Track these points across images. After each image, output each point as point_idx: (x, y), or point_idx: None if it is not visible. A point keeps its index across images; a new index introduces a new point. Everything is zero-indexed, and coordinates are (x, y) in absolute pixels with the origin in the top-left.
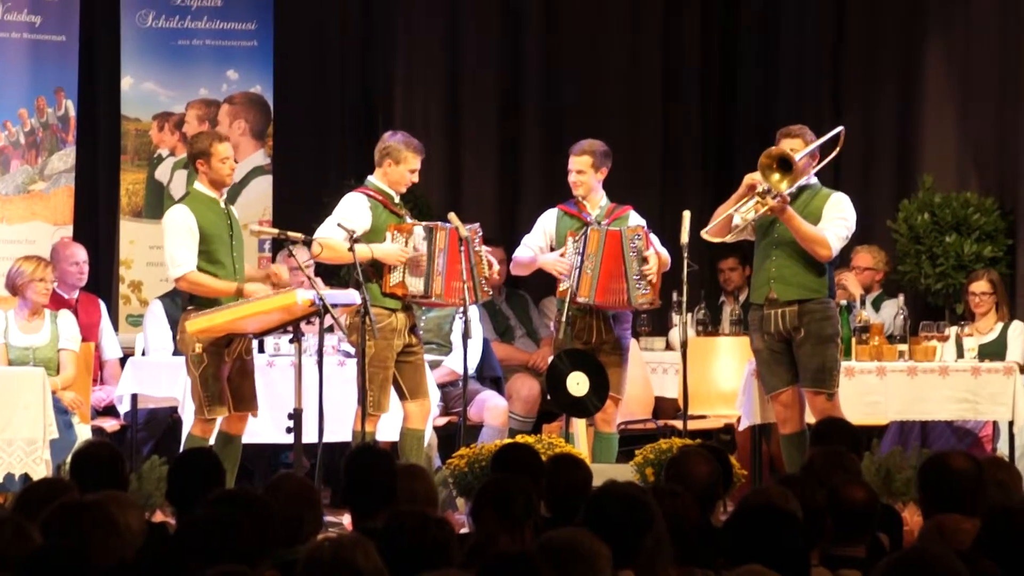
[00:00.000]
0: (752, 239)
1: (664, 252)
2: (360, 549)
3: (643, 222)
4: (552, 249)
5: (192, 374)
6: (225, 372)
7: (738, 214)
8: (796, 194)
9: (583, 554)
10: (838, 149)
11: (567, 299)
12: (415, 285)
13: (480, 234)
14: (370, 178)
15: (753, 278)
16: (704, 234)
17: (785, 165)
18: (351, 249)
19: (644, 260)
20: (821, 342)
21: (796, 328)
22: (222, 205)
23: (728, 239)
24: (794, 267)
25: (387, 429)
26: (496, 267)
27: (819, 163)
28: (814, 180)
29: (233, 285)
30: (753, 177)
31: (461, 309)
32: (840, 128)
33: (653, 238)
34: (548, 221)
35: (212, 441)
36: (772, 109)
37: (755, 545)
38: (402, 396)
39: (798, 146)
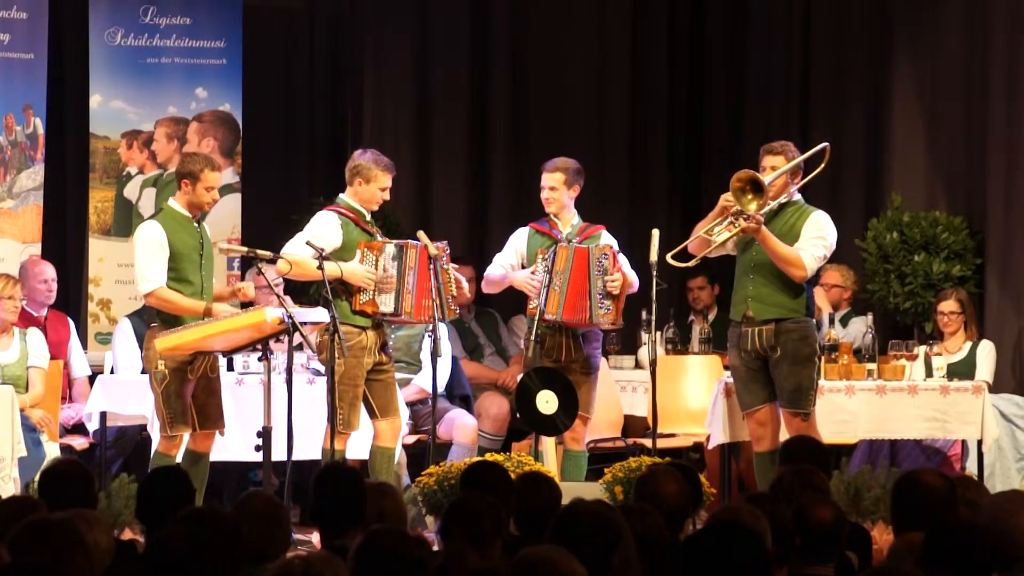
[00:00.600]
0: (734, 254)
1: (632, 274)
2: (330, 567)
3: (614, 242)
4: (523, 267)
5: (155, 391)
6: (189, 390)
7: (712, 235)
8: (778, 211)
9: (560, 572)
10: (823, 165)
11: (536, 317)
12: (385, 303)
13: (448, 252)
14: (342, 196)
15: (733, 295)
16: (681, 253)
17: (757, 186)
18: (320, 267)
19: (607, 285)
20: (797, 362)
21: (772, 347)
22: (195, 224)
23: (711, 254)
24: (771, 286)
25: (357, 447)
26: (465, 285)
27: (803, 179)
28: (797, 197)
29: (202, 304)
30: (726, 198)
31: (430, 327)
32: (825, 144)
33: (622, 258)
34: (519, 239)
35: (179, 458)
36: (740, 128)
37: (714, 563)
38: (372, 414)
39: (780, 163)
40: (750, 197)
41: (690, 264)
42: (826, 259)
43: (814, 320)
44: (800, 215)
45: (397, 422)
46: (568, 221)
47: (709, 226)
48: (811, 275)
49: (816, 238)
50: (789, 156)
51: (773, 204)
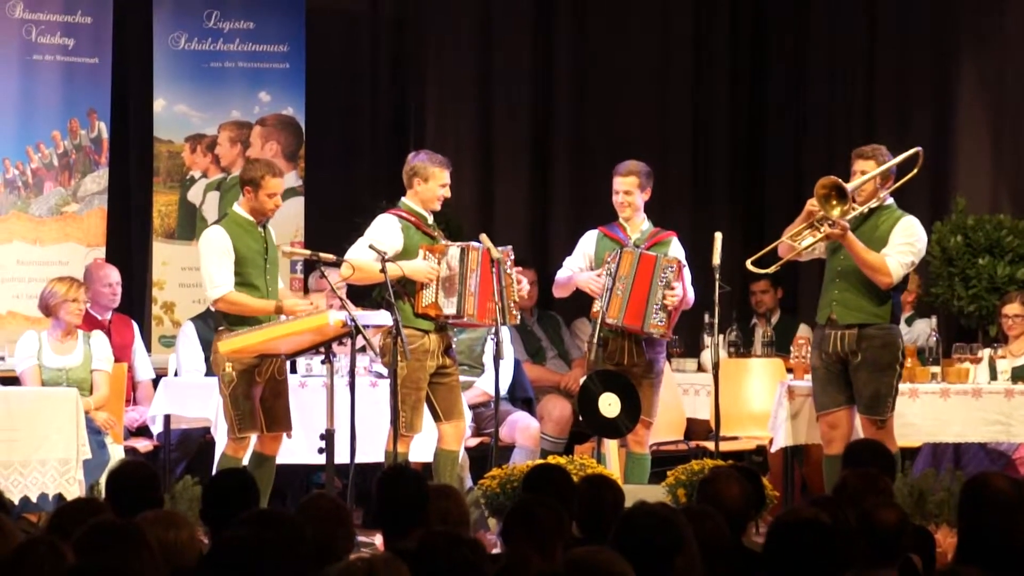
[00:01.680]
0: (824, 258)
1: (691, 290)
2: (393, 569)
3: (682, 254)
4: (591, 270)
5: (223, 394)
6: (257, 392)
7: (796, 240)
8: (868, 216)
9: (610, 571)
10: (916, 170)
11: (599, 320)
12: (448, 305)
13: (512, 257)
14: (403, 199)
15: (820, 298)
16: (760, 259)
17: (841, 193)
18: (383, 269)
19: (666, 297)
20: (878, 369)
21: (854, 352)
22: (259, 229)
23: (802, 259)
24: (856, 291)
25: (420, 450)
26: (526, 287)
27: (895, 184)
28: (890, 201)
29: (272, 303)
30: (812, 203)
31: (493, 330)
32: (918, 149)
33: (686, 272)
34: (588, 243)
35: (246, 461)
36: (803, 131)
37: (791, 560)
38: (436, 417)
39: (870, 167)
40: (835, 203)
41: (770, 271)
42: (914, 265)
43: (899, 327)
44: (890, 220)
45: (461, 425)
46: (638, 226)
47: (794, 231)
48: (897, 281)
49: (904, 244)
50: (880, 160)
51: (864, 208)
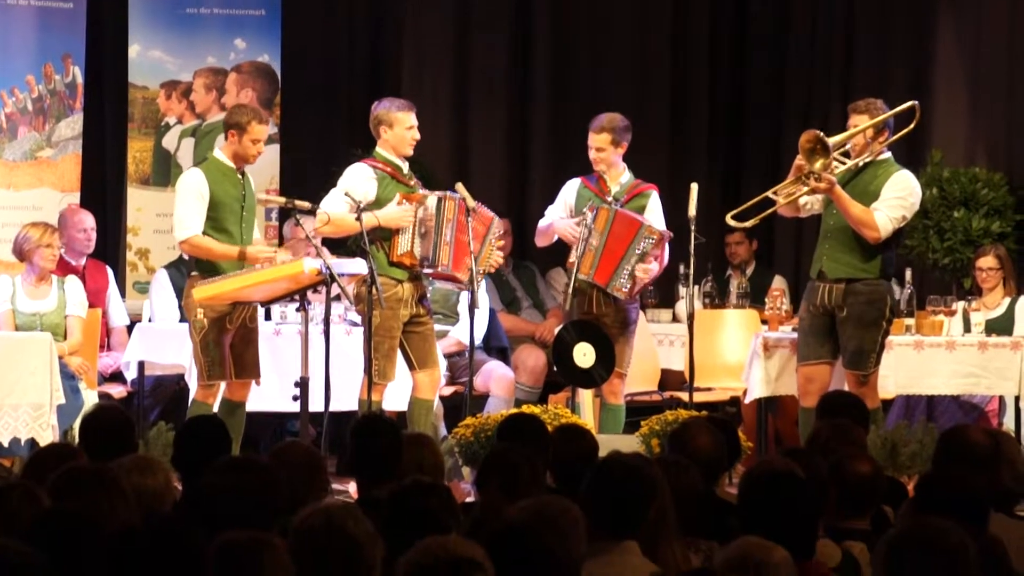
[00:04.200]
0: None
1: (666, 259)
2: (350, 516)
3: (660, 212)
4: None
5: (194, 340)
6: (227, 340)
7: (782, 195)
8: (862, 169)
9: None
10: (914, 124)
11: (574, 270)
12: (418, 254)
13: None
14: (376, 150)
15: (814, 252)
16: (740, 213)
17: (824, 146)
18: (358, 219)
19: (637, 273)
20: (862, 324)
21: (840, 306)
22: (239, 176)
23: (802, 216)
24: (846, 246)
25: (394, 399)
26: (500, 258)
27: (891, 138)
28: (886, 155)
29: (235, 248)
30: (800, 159)
31: (468, 280)
32: (913, 102)
33: (666, 249)
34: (569, 192)
35: (216, 407)
36: (782, 86)
37: (764, 511)
38: (411, 366)
39: (863, 121)
40: (818, 157)
41: (747, 225)
42: (906, 220)
43: (891, 283)
44: (884, 175)
45: (436, 374)
46: (617, 178)
47: (781, 186)
48: (885, 236)
49: (896, 198)
50: (874, 114)
51: (858, 162)
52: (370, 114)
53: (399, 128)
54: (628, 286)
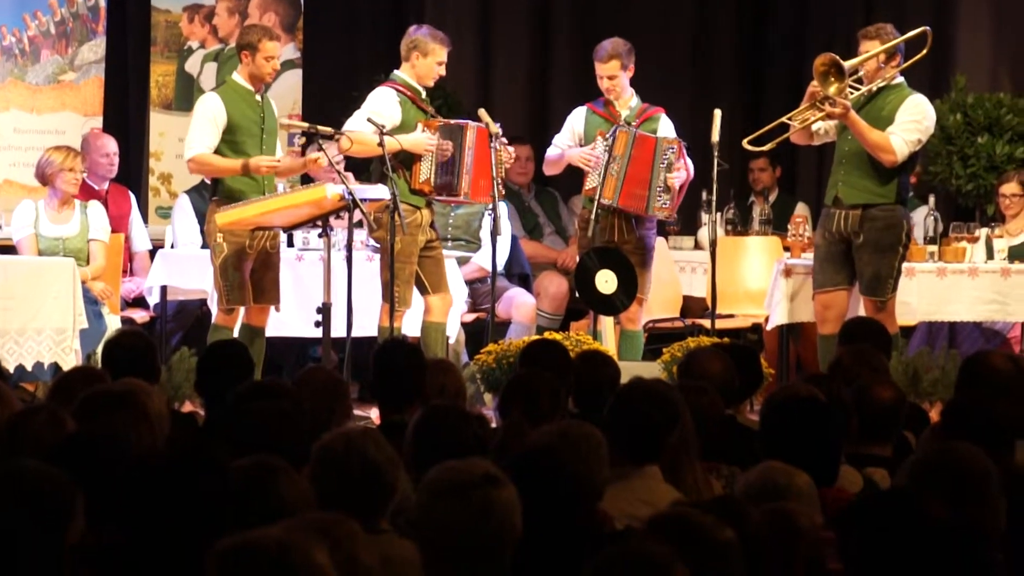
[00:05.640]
0: (835, 140)
1: (691, 167)
2: (371, 439)
3: (672, 129)
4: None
5: (214, 264)
6: (247, 265)
7: (797, 120)
8: (875, 94)
9: (589, 443)
10: (926, 50)
11: (596, 197)
12: (442, 182)
13: (500, 133)
14: (397, 72)
15: (829, 178)
16: (757, 138)
17: (840, 70)
18: (381, 143)
19: (668, 179)
20: (879, 250)
21: (856, 232)
22: (258, 98)
23: (815, 143)
24: (861, 171)
25: (410, 324)
26: (512, 156)
27: (903, 63)
28: (899, 80)
29: (238, 162)
30: (814, 84)
31: (490, 206)
32: (925, 28)
33: (685, 154)
34: (577, 120)
35: (236, 331)
36: (805, 8)
37: (786, 437)
38: (423, 290)
39: (874, 47)
40: (832, 80)
41: (765, 148)
42: (921, 144)
43: (906, 208)
44: (898, 99)
45: (448, 298)
46: (627, 102)
47: (797, 112)
48: (902, 160)
49: (911, 122)
50: (884, 39)
51: (872, 87)
52: (406, 35)
53: (431, 59)
54: (668, 202)
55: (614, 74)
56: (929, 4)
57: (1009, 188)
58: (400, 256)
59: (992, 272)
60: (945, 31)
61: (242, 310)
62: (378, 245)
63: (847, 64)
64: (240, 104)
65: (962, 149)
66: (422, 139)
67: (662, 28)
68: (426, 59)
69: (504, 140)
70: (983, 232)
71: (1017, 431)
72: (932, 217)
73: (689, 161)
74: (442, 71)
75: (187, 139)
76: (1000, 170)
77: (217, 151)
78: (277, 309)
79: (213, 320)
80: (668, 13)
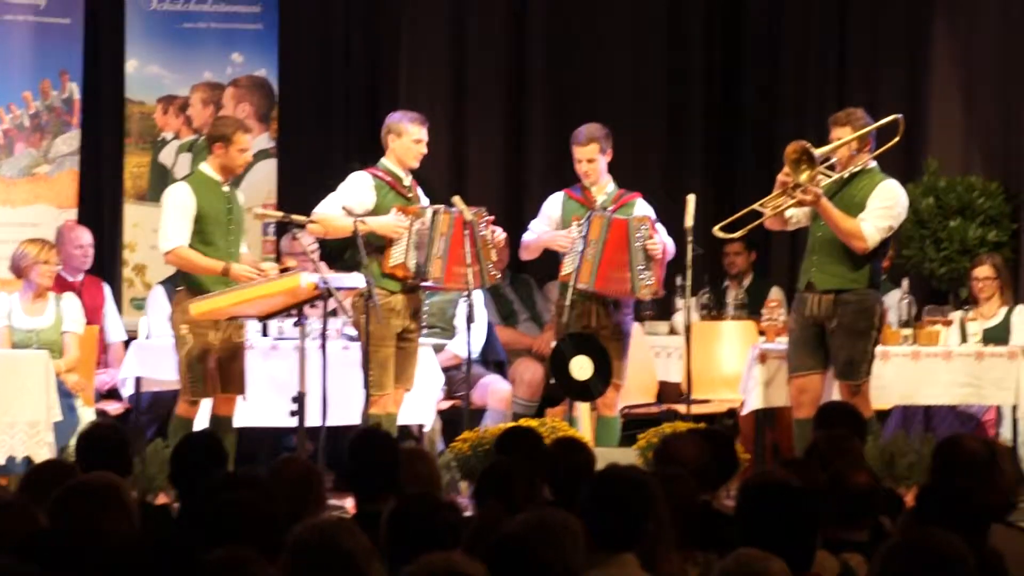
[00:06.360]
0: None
1: (670, 242)
2: (345, 530)
3: (651, 211)
4: None
5: (179, 355)
6: (212, 355)
7: (768, 207)
8: (848, 181)
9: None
10: (898, 138)
11: (571, 283)
12: (412, 266)
13: (487, 217)
14: (382, 160)
15: (801, 263)
16: (728, 225)
17: (810, 157)
18: (355, 231)
19: (649, 250)
20: (853, 334)
21: (829, 317)
22: (225, 188)
23: (789, 229)
24: (834, 257)
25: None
26: (501, 235)
27: (876, 150)
28: (872, 166)
29: (220, 264)
30: (785, 172)
31: (465, 293)
32: (898, 115)
33: (659, 227)
34: (553, 206)
35: (201, 422)
36: (775, 94)
37: (761, 523)
38: None
39: (845, 134)
40: (804, 168)
41: (736, 236)
42: (893, 230)
43: (878, 293)
44: (870, 185)
45: (402, 395)
46: (603, 188)
47: (768, 199)
48: (873, 246)
49: (882, 208)
50: (855, 126)
51: (844, 174)
52: (383, 124)
53: (406, 139)
54: (652, 278)
55: (593, 157)
56: (901, 88)
57: (982, 271)
58: (373, 339)
59: (966, 355)
60: (917, 115)
61: (209, 401)
62: (355, 333)
63: (818, 152)
64: (208, 194)
65: (935, 232)
66: (392, 222)
67: (635, 114)
68: (401, 139)
69: (490, 218)
70: (957, 315)
71: (991, 515)
72: (906, 300)
73: (667, 238)
74: (422, 149)
75: (161, 231)
76: (973, 253)
77: None
78: (244, 398)
79: (176, 411)
80: (641, 100)
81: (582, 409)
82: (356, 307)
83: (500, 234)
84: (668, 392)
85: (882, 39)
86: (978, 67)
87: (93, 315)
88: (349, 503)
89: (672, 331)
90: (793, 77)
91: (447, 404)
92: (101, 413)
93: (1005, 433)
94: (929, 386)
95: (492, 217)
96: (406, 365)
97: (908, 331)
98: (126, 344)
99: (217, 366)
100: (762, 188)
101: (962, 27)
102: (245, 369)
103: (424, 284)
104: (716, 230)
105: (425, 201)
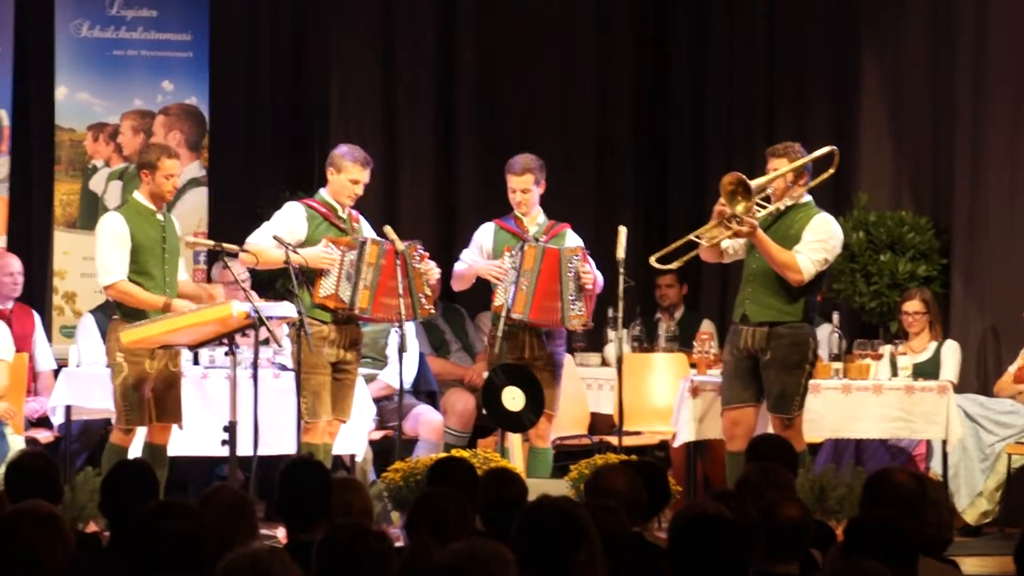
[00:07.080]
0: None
1: (599, 275)
2: (276, 560)
3: (580, 242)
4: None
5: (114, 384)
6: (147, 384)
7: (704, 238)
8: (783, 213)
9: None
10: (833, 169)
11: (503, 314)
12: (343, 297)
13: (420, 250)
14: (320, 190)
15: (737, 296)
16: (665, 256)
17: (746, 188)
18: (286, 261)
19: (582, 279)
20: (786, 367)
21: (763, 350)
22: (159, 217)
23: (726, 261)
24: (769, 289)
25: (342, 443)
26: (436, 273)
27: (810, 182)
28: (807, 199)
29: (161, 300)
30: (721, 203)
31: (397, 324)
32: (832, 148)
33: (590, 260)
34: (484, 236)
35: (134, 450)
36: (704, 127)
37: (693, 555)
38: None
39: (782, 165)
40: (740, 199)
41: (672, 267)
42: (828, 263)
43: (812, 327)
44: (805, 218)
45: (338, 426)
46: (535, 219)
47: (703, 230)
48: (808, 279)
49: (817, 241)
50: (792, 158)
51: (779, 206)
52: (327, 155)
53: (344, 176)
54: (583, 308)
55: (527, 187)
56: (830, 123)
57: (912, 306)
58: (305, 367)
59: (896, 389)
60: (847, 149)
61: (142, 429)
62: (288, 362)
63: (754, 183)
64: (142, 224)
65: (865, 267)
66: (320, 254)
67: (565, 148)
68: (339, 175)
69: (423, 252)
70: (887, 349)
71: (920, 548)
72: (836, 334)
73: (597, 272)
74: (358, 190)
75: (99, 264)
76: (903, 287)
77: None
78: (180, 427)
79: (110, 439)
80: (570, 130)
81: (514, 440)
82: (290, 336)
83: (436, 272)
84: (600, 424)
85: (810, 74)
86: (907, 101)
87: (23, 343)
88: (281, 532)
89: (604, 363)
90: (722, 112)
91: (379, 434)
92: (31, 441)
93: (935, 467)
94: (860, 420)
95: (427, 252)
96: (343, 396)
97: (839, 365)
98: (56, 372)
99: (153, 395)
100: (692, 220)
101: (890, 62)
102: (180, 398)
103: (355, 314)
104: (652, 260)
105: (370, 233)
